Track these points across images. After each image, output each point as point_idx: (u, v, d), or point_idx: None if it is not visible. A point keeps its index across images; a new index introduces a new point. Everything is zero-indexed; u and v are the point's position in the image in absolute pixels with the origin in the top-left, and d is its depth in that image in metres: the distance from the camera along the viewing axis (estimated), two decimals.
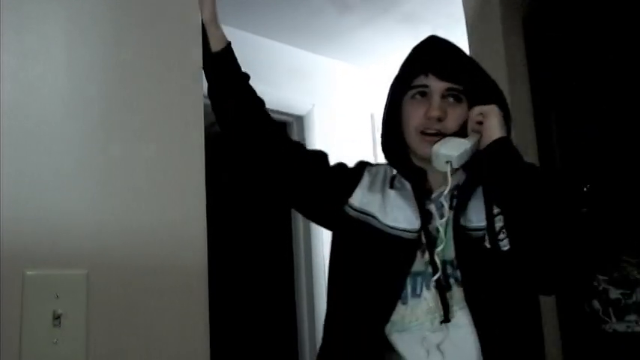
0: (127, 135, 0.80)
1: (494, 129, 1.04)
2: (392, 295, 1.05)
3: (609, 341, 1.75)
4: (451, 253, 1.05)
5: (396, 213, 1.11)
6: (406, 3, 2.57)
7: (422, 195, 1.11)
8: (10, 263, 0.67)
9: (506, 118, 1.09)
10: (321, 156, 1.25)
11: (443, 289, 1.02)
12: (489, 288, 1.02)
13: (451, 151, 1.04)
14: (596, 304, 1.81)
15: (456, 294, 1.03)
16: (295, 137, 2.91)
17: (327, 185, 1.20)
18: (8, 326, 0.66)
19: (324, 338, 1.14)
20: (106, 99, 0.79)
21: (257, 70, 2.66)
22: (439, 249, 1.04)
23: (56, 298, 0.69)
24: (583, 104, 1.91)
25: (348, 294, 1.12)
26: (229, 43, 1.18)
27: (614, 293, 1.78)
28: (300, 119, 2.91)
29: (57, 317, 0.69)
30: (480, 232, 1.05)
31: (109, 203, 0.76)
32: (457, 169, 1.08)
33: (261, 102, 1.23)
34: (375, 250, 1.10)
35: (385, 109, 1.18)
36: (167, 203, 0.82)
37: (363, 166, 1.23)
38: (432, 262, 1.04)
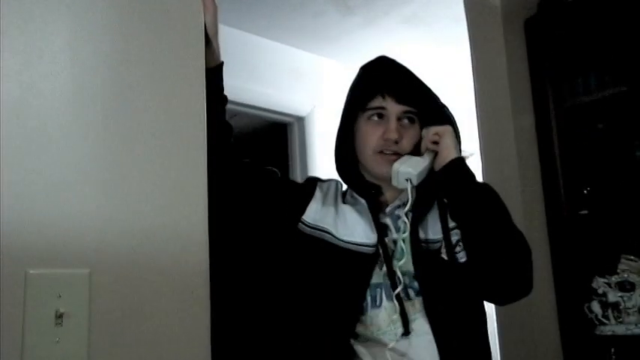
0: (130, 135, 0.80)
1: (450, 149, 1.10)
2: (353, 308, 1.09)
3: (609, 344, 1.75)
4: (409, 265, 1.08)
5: (352, 227, 1.13)
6: (407, 5, 2.57)
7: (377, 209, 1.14)
8: (13, 262, 0.67)
9: (457, 138, 1.14)
10: (271, 174, 1.24)
11: (402, 301, 1.06)
12: (447, 298, 1.07)
13: (411, 169, 1.09)
14: (595, 306, 1.81)
15: (416, 304, 1.07)
16: (296, 138, 2.92)
17: (279, 203, 1.20)
18: (10, 325, 0.66)
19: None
20: (109, 99, 0.79)
21: (258, 70, 2.68)
22: (401, 262, 1.07)
23: (58, 298, 0.69)
24: (584, 105, 1.92)
25: (308, 311, 1.15)
26: (222, 63, 1.13)
27: (614, 296, 1.78)
28: (300, 120, 2.92)
29: (59, 316, 0.69)
30: (437, 245, 1.09)
31: (111, 203, 0.76)
32: (415, 186, 1.12)
33: (228, 128, 1.18)
34: (333, 266, 1.13)
35: (339, 128, 1.21)
36: (169, 203, 0.82)
37: (314, 181, 1.24)
38: (391, 274, 1.07)
